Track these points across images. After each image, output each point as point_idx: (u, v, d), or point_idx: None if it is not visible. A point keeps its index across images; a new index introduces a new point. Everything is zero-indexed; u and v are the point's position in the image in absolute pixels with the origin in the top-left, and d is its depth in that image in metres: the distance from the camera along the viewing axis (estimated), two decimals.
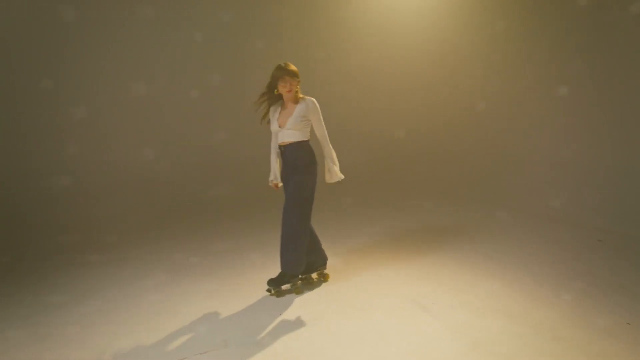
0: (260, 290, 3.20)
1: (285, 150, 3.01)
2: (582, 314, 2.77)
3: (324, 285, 3.27)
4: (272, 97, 3.03)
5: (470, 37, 6.26)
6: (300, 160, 3.00)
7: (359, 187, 5.90)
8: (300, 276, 3.21)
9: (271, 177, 3.20)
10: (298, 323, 2.72)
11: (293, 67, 2.96)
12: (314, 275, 3.34)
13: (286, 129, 2.97)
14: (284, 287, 3.14)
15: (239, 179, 5.91)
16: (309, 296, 3.10)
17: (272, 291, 3.11)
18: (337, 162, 3.14)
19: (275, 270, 3.60)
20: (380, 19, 6.61)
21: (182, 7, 5.69)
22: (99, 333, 2.65)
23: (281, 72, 2.92)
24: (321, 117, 3.04)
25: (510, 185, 5.66)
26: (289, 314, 2.84)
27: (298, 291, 3.14)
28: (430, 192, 6.05)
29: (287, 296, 3.11)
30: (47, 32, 4.94)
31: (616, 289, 3.13)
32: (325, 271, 3.37)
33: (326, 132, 3.07)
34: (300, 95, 3.03)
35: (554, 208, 4.60)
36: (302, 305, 2.97)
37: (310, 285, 3.27)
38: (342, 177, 3.16)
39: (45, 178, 4.89)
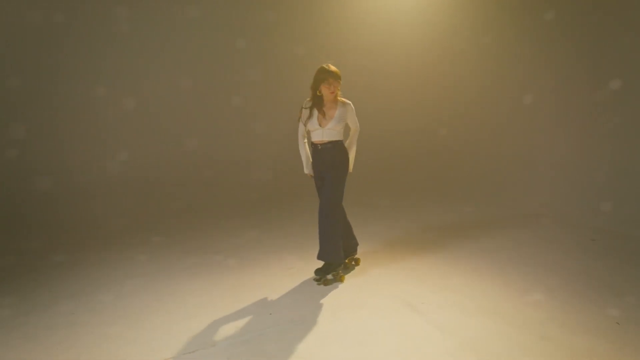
0: (249, 290, 3.21)
1: (323, 149, 3.20)
2: (572, 313, 2.77)
3: (310, 286, 3.26)
4: (315, 98, 3.17)
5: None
6: (337, 157, 3.22)
7: (357, 188, 5.89)
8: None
9: (307, 170, 3.41)
10: (287, 322, 2.73)
11: (336, 69, 3.10)
12: (347, 261, 3.54)
13: (327, 129, 3.16)
14: (329, 276, 3.30)
15: (232, 182, 5.93)
16: (300, 295, 3.11)
17: (320, 280, 3.28)
18: (353, 157, 3.41)
19: (263, 269, 3.62)
20: (385, 20, 6.64)
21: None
22: (89, 333, 2.66)
23: (325, 74, 3.06)
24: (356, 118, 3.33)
25: (505, 185, 5.65)
26: (279, 314, 2.85)
27: (342, 278, 3.32)
28: (428, 191, 6.05)
29: (277, 295, 3.12)
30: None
31: (607, 288, 3.12)
32: (356, 256, 3.64)
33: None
34: (340, 98, 3.20)
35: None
36: (293, 304, 2.97)
37: (347, 270, 3.48)
38: (350, 171, 3.37)
39: (41, 177, 4.92)
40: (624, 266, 3.53)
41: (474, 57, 6.21)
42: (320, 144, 3.21)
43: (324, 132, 3.17)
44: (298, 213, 5.21)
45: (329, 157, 3.20)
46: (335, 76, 3.08)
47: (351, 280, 3.33)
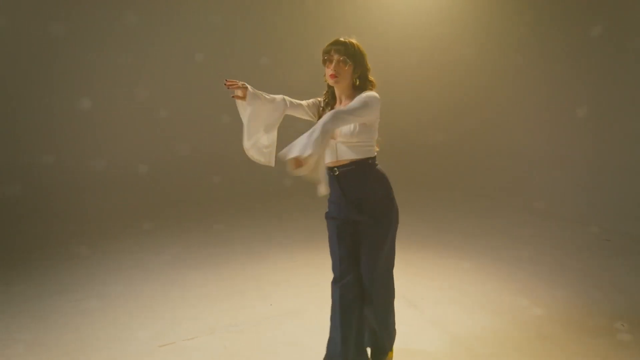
0: (252, 281, 3.28)
1: (342, 175, 1.94)
2: (574, 314, 2.73)
3: (311, 278, 3.28)
4: (328, 92, 2.05)
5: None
6: (366, 192, 1.94)
7: None
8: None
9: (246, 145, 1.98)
10: (284, 313, 2.79)
11: (348, 40, 1.90)
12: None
13: (340, 141, 1.90)
14: None
15: (236, 178, 5.98)
16: (297, 289, 3.16)
17: None
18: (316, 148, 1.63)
19: (266, 262, 3.66)
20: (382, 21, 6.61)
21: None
22: (96, 318, 2.78)
23: (327, 47, 1.91)
24: (369, 107, 1.81)
25: (513, 183, 5.55)
26: (277, 305, 2.91)
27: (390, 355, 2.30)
28: (431, 187, 6.00)
29: (275, 287, 3.18)
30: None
31: (615, 290, 3.05)
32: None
33: (354, 119, 1.80)
34: (370, 93, 1.88)
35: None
36: (291, 297, 3.03)
37: None
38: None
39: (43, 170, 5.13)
40: (634, 268, 3.43)
41: (474, 62, 6.17)
42: (337, 168, 1.94)
43: (338, 148, 1.92)
44: (305, 208, 5.27)
45: (355, 190, 1.94)
46: (335, 44, 1.88)
47: None
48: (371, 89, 1.94)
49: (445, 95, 6.58)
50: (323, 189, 1.80)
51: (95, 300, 3.02)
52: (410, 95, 6.66)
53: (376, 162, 1.99)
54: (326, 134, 1.65)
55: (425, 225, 4.55)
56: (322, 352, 2.01)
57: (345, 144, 1.90)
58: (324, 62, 1.92)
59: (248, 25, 6.05)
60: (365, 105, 1.79)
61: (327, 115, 1.71)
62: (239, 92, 1.88)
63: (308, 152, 1.56)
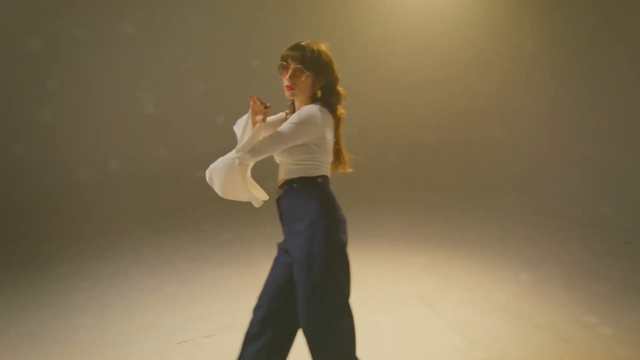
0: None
1: (279, 197, 1.71)
2: (594, 317, 2.68)
3: None
4: (292, 103, 1.76)
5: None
6: (296, 216, 1.65)
7: (368, 184, 5.86)
8: None
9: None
10: None
11: (308, 44, 1.62)
12: None
13: (281, 158, 1.67)
14: None
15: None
16: None
17: None
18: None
19: None
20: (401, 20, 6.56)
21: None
22: (115, 314, 2.81)
23: (284, 52, 1.63)
24: (298, 130, 1.55)
25: (532, 184, 5.48)
26: None
27: None
28: (455, 189, 5.95)
29: None
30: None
31: (636, 293, 3.00)
32: None
33: (280, 144, 1.56)
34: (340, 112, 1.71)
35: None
36: None
37: None
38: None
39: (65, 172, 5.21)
40: None
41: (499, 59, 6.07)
42: (279, 188, 1.72)
43: (280, 165, 1.71)
44: None
45: (286, 214, 1.69)
46: (292, 49, 1.61)
47: (369, 273, 3.35)
48: (336, 103, 1.67)
49: (447, 95, 6.51)
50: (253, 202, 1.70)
51: (113, 297, 3.06)
52: (410, 95, 6.60)
53: (326, 183, 1.67)
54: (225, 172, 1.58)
55: (446, 227, 4.51)
56: None
57: (282, 161, 1.66)
58: (280, 69, 1.64)
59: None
60: (277, 139, 1.54)
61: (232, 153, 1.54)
62: (261, 115, 1.55)
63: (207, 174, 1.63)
